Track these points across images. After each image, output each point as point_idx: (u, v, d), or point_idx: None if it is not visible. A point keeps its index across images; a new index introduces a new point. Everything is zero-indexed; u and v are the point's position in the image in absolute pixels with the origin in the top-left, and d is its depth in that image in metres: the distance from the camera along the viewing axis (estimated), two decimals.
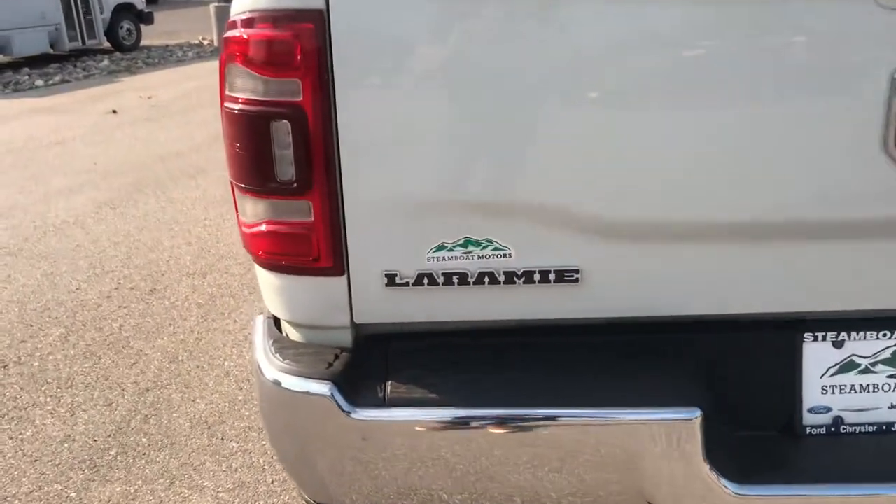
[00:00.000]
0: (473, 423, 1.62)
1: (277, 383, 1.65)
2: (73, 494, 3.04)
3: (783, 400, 1.77)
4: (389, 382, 1.66)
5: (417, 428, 1.61)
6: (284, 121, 1.52)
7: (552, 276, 1.64)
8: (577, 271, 1.64)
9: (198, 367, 3.92)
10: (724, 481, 1.60)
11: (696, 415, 1.58)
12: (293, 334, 1.80)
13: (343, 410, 1.59)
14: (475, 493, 1.68)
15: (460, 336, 1.73)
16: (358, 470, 1.67)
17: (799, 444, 1.76)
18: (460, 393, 1.64)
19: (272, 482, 3.02)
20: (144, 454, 3.28)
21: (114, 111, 10.54)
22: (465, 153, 1.55)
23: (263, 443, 3.25)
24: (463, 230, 1.62)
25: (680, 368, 1.68)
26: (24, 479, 3.14)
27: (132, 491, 3.07)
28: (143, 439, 3.37)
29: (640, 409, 1.60)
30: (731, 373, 1.74)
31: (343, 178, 1.57)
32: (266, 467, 3.10)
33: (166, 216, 6.24)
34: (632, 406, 1.61)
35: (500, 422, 1.61)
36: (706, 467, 1.59)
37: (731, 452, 1.69)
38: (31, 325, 4.46)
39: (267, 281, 1.73)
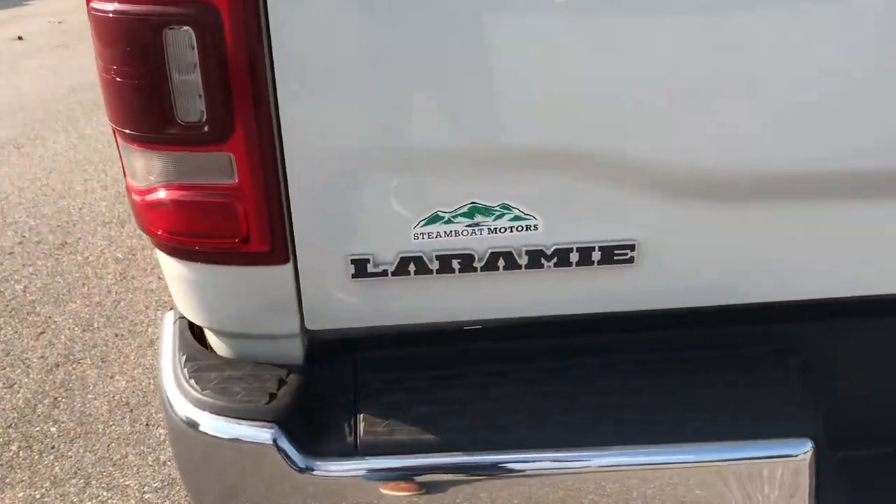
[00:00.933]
0: (488, 473, 1.11)
1: (194, 425, 1.11)
2: None
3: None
4: (361, 416, 1.14)
5: (407, 483, 1.10)
6: (186, 28, 0.97)
7: (597, 255, 1.13)
8: (632, 247, 1.13)
9: (116, 335, 3.36)
10: None
11: (806, 449, 1.10)
12: (219, 347, 1.25)
13: (294, 465, 1.07)
14: None
15: (465, 341, 1.22)
16: None
17: None
18: (466, 428, 1.13)
19: None
20: (53, 448, 2.75)
21: (19, 38, 9.70)
22: (467, 76, 1.01)
23: None
24: (467, 193, 1.11)
25: (781, 378, 1.19)
26: None
27: (38, 496, 2.56)
28: (52, 429, 2.84)
29: (721, 444, 1.11)
30: (841, 377, 1.27)
31: (281, 117, 1.02)
32: None
33: (78, 156, 5.62)
34: (712, 440, 1.12)
35: (526, 469, 1.10)
36: None
37: (842, 484, 1.24)
38: None
39: (174, 272, 1.18)
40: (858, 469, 1.31)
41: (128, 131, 1.05)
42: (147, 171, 1.07)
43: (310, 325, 1.17)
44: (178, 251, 1.13)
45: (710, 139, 1.08)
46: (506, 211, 1.11)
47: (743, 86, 1.03)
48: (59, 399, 3.02)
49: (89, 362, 3.23)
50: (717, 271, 1.18)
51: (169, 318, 1.31)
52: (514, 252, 1.13)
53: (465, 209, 1.10)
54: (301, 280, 1.13)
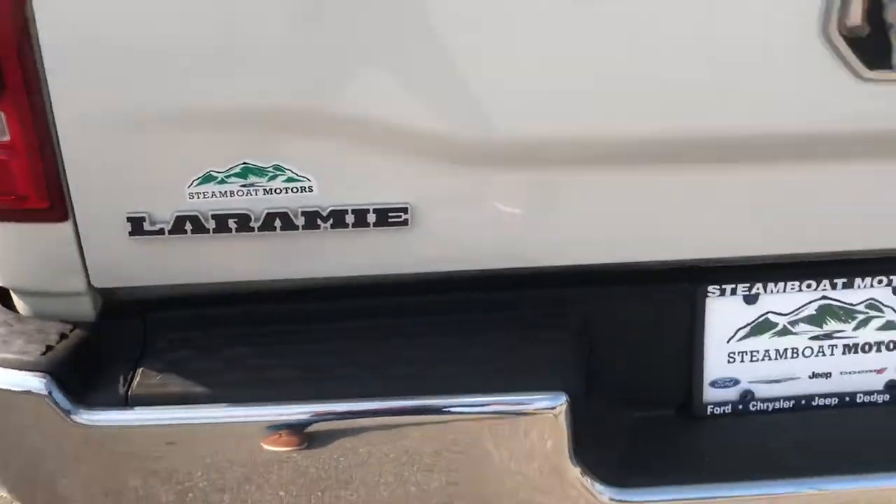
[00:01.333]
0: (261, 425, 1.15)
1: None
2: None
3: (680, 372, 1.37)
4: (140, 370, 1.17)
5: (172, 435, 1.14)
6: None
7: (372, 218, 1.17)
8: (405, 209, 1.17)
9: None
10: (597, 486, 1.19)
11: (559, 402, 1.15)
12: (20, 305, 1.28)
13: (63, 412, 1.10)
14: None
15: (248, 302, 1.25)
16: (94, 485, 1.19)
17: (698, 427, 1.38)
18: (243, 382, 1.17)
19: None
20: None
21: None
22: (234, 30, 1.05)
23: None
24: (239, 152, 1.13)
25: (545, 338, 1.24)
26: None
27: None
28: None
29: (482, 395, 1.16)
30: (616, 339, 1.32)
31: (48, 74, 1.04)
32: None
33: None
34: (473, 392, 1.17)
35: (297, 423, 1.15)
36: (575, 470, 1.18)
37: (610, 443, 1.29)
38: None
39: None
40: (640, 432, 1.36)
41: None
42: None
43: (95, 283, 1.20)
44: None
45: (474, 106, 1.12)
46: (279, 172, 1.14)
47: (486, 54, 1.08)
48: None
49: None
50: (491, 237, 1.23)
51: None
52: (290, 213, 1.16)
53: (237, 169, 1.13)
54: (82, 237, 1.16)
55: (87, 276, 1.19)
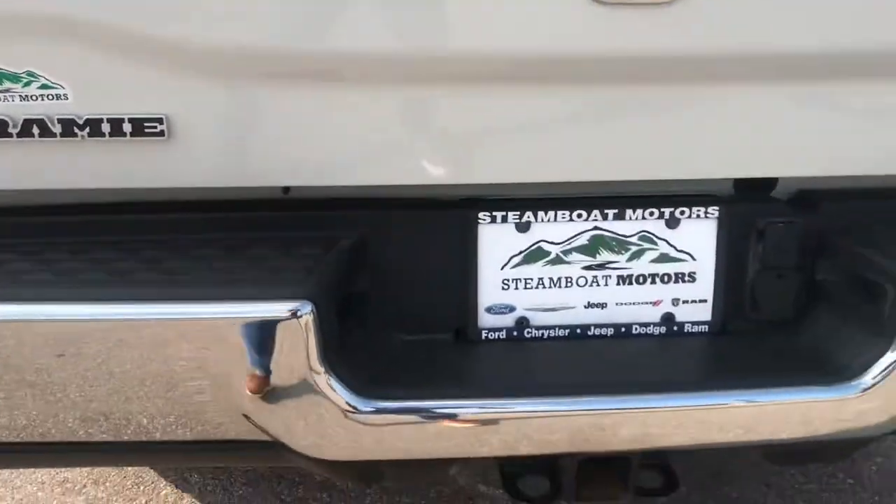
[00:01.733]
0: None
1: None
2: None
3: (456, 297, 1.40)
4: None
5: None
6: None
7: (128, 128, 1.21)
8: (161, 120, 1.21)
9: None
10: (339, 390, 1.21)
11: (303, 311, 1.18)
12: None
13: None
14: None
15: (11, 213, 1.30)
16: None
17: (471, 351, 1.40)
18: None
19: None
20: None
21: None
22: None
23: None
24: None
25: (302, 255, 1.28)
26: None
27: None
28: None
29: (230, 302, 1.19)
30: (394, 264, 1.36)
31: None
32: None
33: None
34: (222, 300, 1.20)
35: (44, 320, 1.19)
36: (321, 375, 1.21)
37: (380, 361, 1.32)
38: None
39: None
40: (412, 350, 1.40)
41: None
42: None
43: None
44: None
45: (231, 14, 1.16)
46: (32, 79, 1.19)
47: None
48: None
49: None
50: (255, 153, 1.26)
51: None
52: (46, 120, 1.21)
53: None
54: None
55: None
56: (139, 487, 2.25)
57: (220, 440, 1.29)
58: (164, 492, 2.23)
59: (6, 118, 1.20)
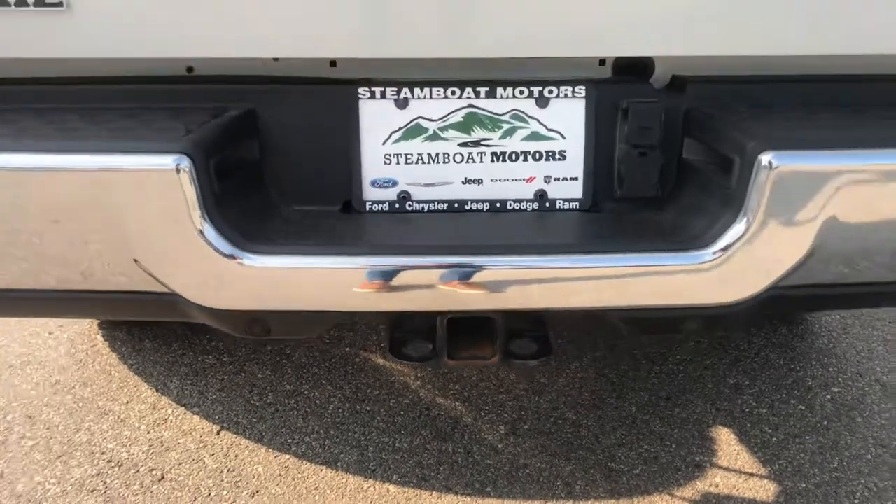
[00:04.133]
0: None
1: None
2: None
3: (342, 170, 1.51)
4: None
5: None
6: None
7: None
8: None
9: None
10: (220, 242, 1.33)
11: (181, 164, 1.30)
12: None
13: None
14: None
15: None
16: None
17: (354, 221, 1.51)
18: None
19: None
20: None
21: None
22: None
23: None
24: None
25: (184, 121, 1.40)
26: None
27: None
28: None
29: (109, 154, 1.31)
30: (282, 138, 1.47)
31: None
32: None
33: None
34: (111, 152, 1.33)
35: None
36: (202, 225, 1.33)
37: (263, 225, 1.44)
38: None
39: None
40: (299, 219, 1.51)
41: None
42: None
43: None
44: None
45: None
46: None
47: None
48: None
49: None
50: (147, 23, 1.39)
51: None
52: None
53: None
54: None
55: None
56: (122, 389, 2.43)
57: (120, 290, 1.42)
58: (144, 394, 2.41)
59: None
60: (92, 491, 2.02)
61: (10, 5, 1.35)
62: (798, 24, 1.39)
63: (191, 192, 1.31)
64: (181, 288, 1.38)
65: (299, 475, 2.06)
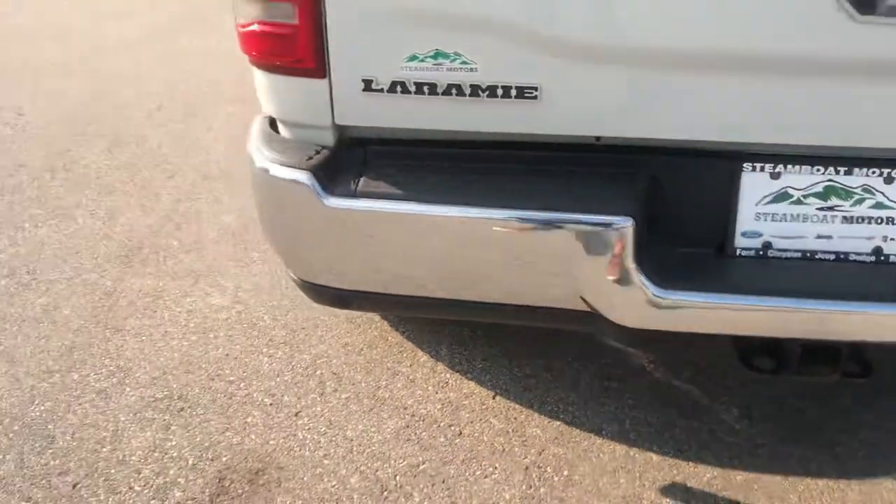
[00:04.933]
0: (430, 218, 1.83)
1: (265, 171, 1.88)
2: (109, 283, 3.38)
3: (720, 223, 1.94)
4: (362, 178, 1.88)
5: (382, 217, 1.84)
6: None
7: (513, 92, 1.80)
8: (536, 88, 1.79)
9: (227, 184, 4.15)
10: (649, 284, 1.80)
11: (629, 223, 1.77)
12: (284, 132, 2.01)
13: (319, 197, 1.82)
14: (429, 276, 1.92)
15: (429, 145, 1.92)
16: (332, 250, 1.92)
17: (729, 262, 1.95)
18: (423, 191, 1.85)
19: (286, 287, 3.31)
20: (174, 255, 3.58)
21: None
22: None
23: None
24: (434, 42, 1.77)
25: (622, 184, 1.86)
26: (65, 267, 3.50)
27: (160, 285, 3.38)
28: (174, 242, 3.68)
29: (578, 213, 1.79)
30: (676, 196, 1.91)
31: None
32: (283, 275, 3.36)
33: (211, 45, 6.40)
34: (571, 211, 1.80)
35: (453, 217, 1.82)
36: (634, 270, 1.80)
37: (665, 263, 1.89)
38: (79, 136, 4.77)
39: (260, 81, 1.93)
40: (687, 260, 1.96)
41: None
42: (246, 12, 1.82)
43: (338, 121, 1.89)
44: (262, 65, 1.89)
45: (584, 20, 1.72)
46: (458, 56, 1.78)
47: None
48: (181, 224, 3.84)
49: (204, 201, 4.05)
50: (590, 111, 1.84)
51: (258, 117, 2.08)
52: (461, 85, 1.79)
53: (432, 53, 1.78)
54: (333, 89, 1.85)
55: (333, 115, 1.89)
56: (403, 353, 2.89)
57: (550, 307, 1.92)
58: (422, 358, 2.86)
59: (436, 82, 1.81)
60: (407, 440, 2.48)
61: (497, 97, 1.82)
62: None
63: (630, 245, 1.78)
64: (606, 310, 1.86)
65: (573, 439, 2.49)
